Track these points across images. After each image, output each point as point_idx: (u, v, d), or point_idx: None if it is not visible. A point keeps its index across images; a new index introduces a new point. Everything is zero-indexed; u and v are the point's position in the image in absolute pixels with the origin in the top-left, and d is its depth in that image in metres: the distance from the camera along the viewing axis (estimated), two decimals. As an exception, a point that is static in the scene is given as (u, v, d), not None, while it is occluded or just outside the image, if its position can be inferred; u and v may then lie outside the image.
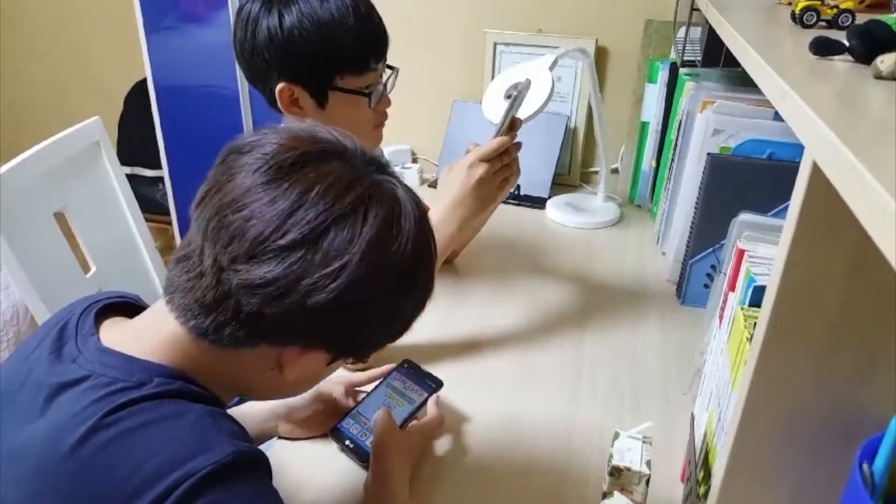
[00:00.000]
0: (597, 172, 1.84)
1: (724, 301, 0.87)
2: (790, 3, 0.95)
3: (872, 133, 0.43)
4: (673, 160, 1.41)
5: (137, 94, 2.76)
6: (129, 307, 0.72)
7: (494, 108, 1.18)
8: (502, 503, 0.89)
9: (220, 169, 0.62)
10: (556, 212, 1.65)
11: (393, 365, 1.02)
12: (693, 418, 0.91)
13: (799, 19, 0.81)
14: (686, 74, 1.41)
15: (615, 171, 1.80)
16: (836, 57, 0.65)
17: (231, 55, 2.08)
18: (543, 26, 1.78)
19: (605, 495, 0.81)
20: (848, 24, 0.78)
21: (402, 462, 0.87)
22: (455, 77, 1.89)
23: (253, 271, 0.58)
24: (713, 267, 1.25)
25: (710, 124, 1.22)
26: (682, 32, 1.43)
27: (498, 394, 1.07)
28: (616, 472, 0.79)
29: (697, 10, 1.29)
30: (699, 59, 1.33)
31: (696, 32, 1.43)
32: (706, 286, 1.26)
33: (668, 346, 1.19)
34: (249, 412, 0.93)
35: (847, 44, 0.63)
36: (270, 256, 0.57)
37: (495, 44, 1.81)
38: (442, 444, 0.97)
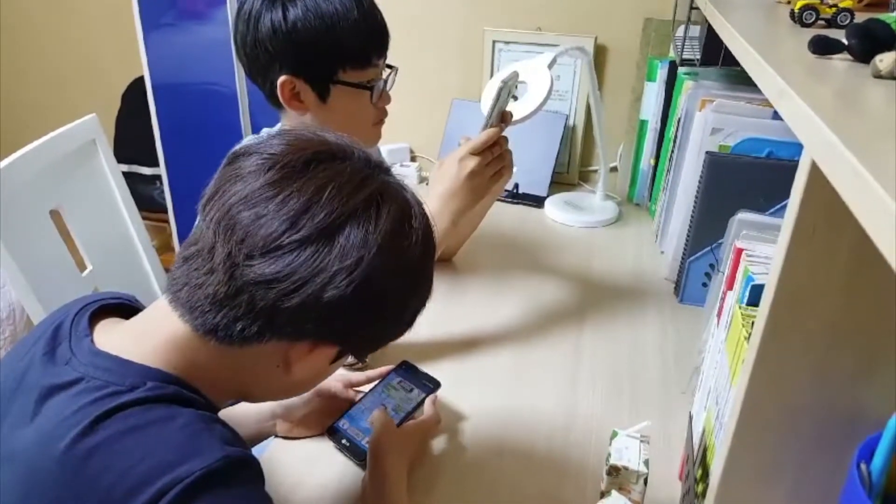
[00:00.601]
0: (595, 171, 1.84)
1: (723, 300, 0.87)
2: (789, 2, 0.95)
3: (872, 132, 0.43)
4: (671, 159, 1.41)
5: (135, 91, 2.75)
6: (125, 308, 0.72)
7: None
8: (500, 502, 0.89)
9: (228, 170, 0.63)
10: (555, 210, 1.65)
11: (391, 366, 1.02)
12: (691, 417, 0.91)
13: (798, 18, 0.81)
14: (685, 73, 1.41)
15: (614, 169, 1.80)
16: (834, 56, 0.65)
17: (229, 53, 2.09)
18: (542, 24, 1.77)
19: (602, 494, 0.81)
20: (847, 22, 0.78)
21: (399, 461, 0.87)
22: (454, 75, 1.89)
23: (269, 266, 0.58)
24: (711, 265, 1.25)
25: (709, 123, 1.22)
26: (681, 31, 1.43)
27: (496, 392, 1.07)
28: (614, 471, 0.79)
29: (696, 8, 1.29)
30: (698, 57, 1.33)
31: (695, 31, 1.43)
32: (704, 285, 1.26)
33: (667, 345, 1.19)
34: (247, 411, 0.93)
35: (846, 43, 0.63)
36: (287, 251, 0.58)
37: (494, 42, 1.81)
38: (439, 443, 0.97)
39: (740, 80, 1.32)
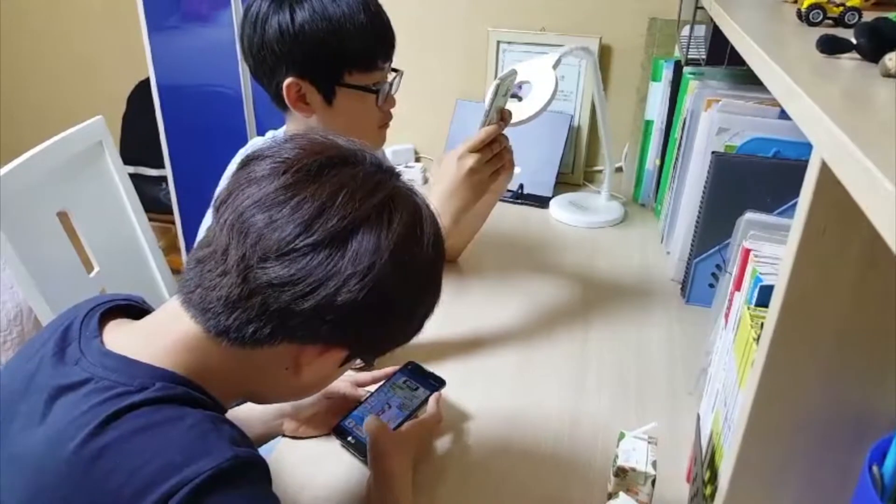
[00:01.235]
0: (600, 171, 1.83)
1: (730, 301, 0.87)
2: (795, 2, 0.95)
3: (882, 130, 0.42)
4: (677, 159, 1.40)
5: (140, 93, 2.76)
6: (134, 310, 0.72)
7: None
8: (506, 503, 0.89)
9: (242, 173, 0.64)
10: (560, 211, 1.65)
11: (397, 367, 1.02)
12: (699, 418, 0.90)
13: (805, 17, 0.80)
14: (690, 73, 1.40)
15: (619, 169, 1.79)
16: (843, 55, 0.64)
17: (234, 55, 2.09)
18: (547, 25, 1.77)
19: (610, 496, 0.80)
20: (854, 21, 0.78)
21: (401, 461, 0.87)
22: (458, 76, 1.89)
23: (282, 269, 0.59)
24: (718, 266, 1.24)
25: (715, 123, 1.22)
26: (686, 31, 1.42)
27: (501, 393, 1.07)
28: (621, 472, 0.79)
29: (702, 8, 1.29)
30: (703, 57, 1.32)
31: (700, 31, 1.43)
32: (711, 285, 1.25)
33: (673, 346, 1.19)
34: (253, 411, 0.93)
35: (855, 42, 0.62)
36: (300, 255, 0.59)
37: (498, 42, 1.81)
38: (444, 443, 0.97)
39: (746, 79, 1.32)
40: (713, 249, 1.23)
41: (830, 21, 0.80)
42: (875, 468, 0.46)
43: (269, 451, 0.93)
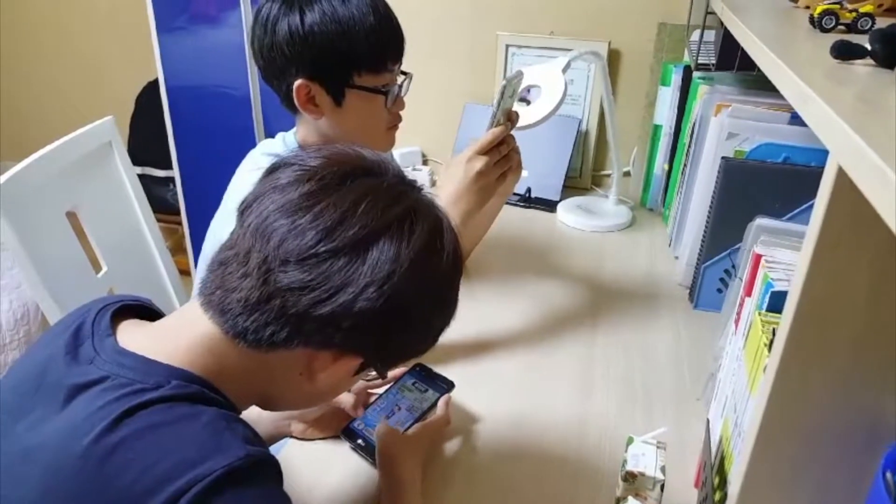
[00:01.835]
0: (608, 175, 1.83)
1: (741, 306, 0.86)
2: (807, 7, 0.95)
3: (900, 137, 0.42)
4: (686, 164, 1.40)
5: (149, 94, 2.77)
6: (143, 310, 0.72)
7: None
8: (514, 507, 0.89)
9: (267, 180, 0.65)
10: (567, 215, 1.65)
11: (405, 368, 1.02)
12: (708, 424, 0.90)
13: (817, 23, 0.80)
14: (700, 78, 1.40)
15: (627, 174, 1.79)
16: (857, 61, 0.64)
17: (242, 56, 2.10)
18: (556, 29, 1.77)
19: (618, 500, 0.80)
20: (868, 27, 0.78)
21: (410, 464, 0.87)
22: (466, 79, 1.89)
23: (302, 273, 0.60)
24: (727, 271, 1.24)
25: (725, 128, 1.21)
26: (696, 35, 1.42)
27: (509, 396, 1.07)
28: (630, 477, 0.79)
29: (712, 13, 1.29)
30: (713, 62, 1.32)
31: (710, 36, 1.43)
32: (720, 291, 1.25)
33: (681, 351, 1.18)
34: (262, 411, 0.93)
35: (869, 48, 0.62)
36: (320, 260, 0.60)
37: (507, 46, 1.81)
38: (452, 446, 0.97)
39: (756, 85, 1.32)
40: (722, 254, 1.23)
41: (843, 27, 0.80)
42: (888, 475, 0.46)
43: (276, 452, 0.93)
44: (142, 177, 2.32)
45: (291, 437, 0.96)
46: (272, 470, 0.61)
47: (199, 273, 1.19)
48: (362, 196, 0.62)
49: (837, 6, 0.80)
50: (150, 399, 0.58)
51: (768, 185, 1.15)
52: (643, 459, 0.80)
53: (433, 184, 1.84)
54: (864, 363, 0.53)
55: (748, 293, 0.83)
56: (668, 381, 1.11)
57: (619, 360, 1.16)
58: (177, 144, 2.31)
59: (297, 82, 1.03)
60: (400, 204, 0.64)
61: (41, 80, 3.29)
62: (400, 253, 0.61)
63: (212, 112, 2.24)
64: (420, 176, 1.84)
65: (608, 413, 1.04)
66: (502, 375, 1.12)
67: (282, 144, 1.14)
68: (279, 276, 0.60)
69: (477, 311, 1.28)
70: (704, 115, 1.32)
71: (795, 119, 1.18)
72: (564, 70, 1.28)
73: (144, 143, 2.76)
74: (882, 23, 0.71)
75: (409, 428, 0.93)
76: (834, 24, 0.80)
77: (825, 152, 0.49)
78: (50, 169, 1.29)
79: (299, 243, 0.60)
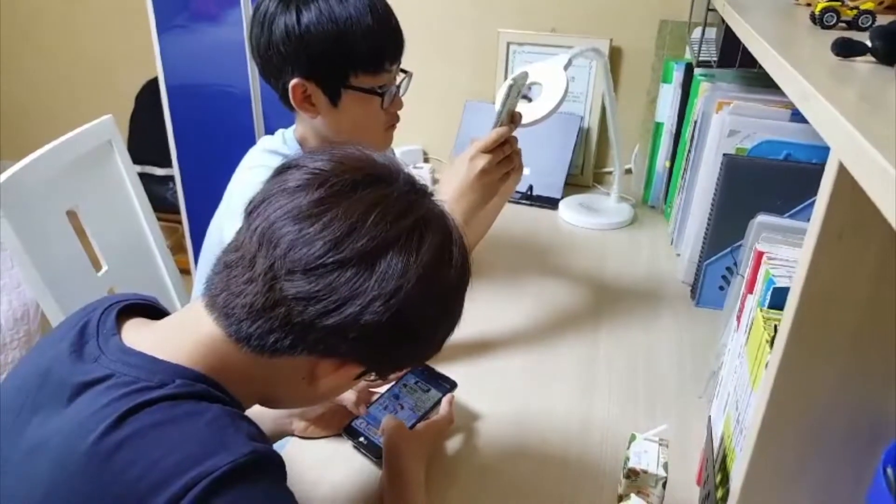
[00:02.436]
0: (610, 173, 1.83)
1: (743, 303, 0.86)
2: (808, 4, 0.95)
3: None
4: (687, 161, 1.40)
5: (148, 92, 2.77)
6: (149, 309, 0.73)
7: None
8: (516, 505, 0.89)
9: (275, 181, 0.64)
10: (569, 212, 1.65)
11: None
12: (710, 420, 0.90)
13: (818, 20, 0.80)
14: (701, 75, 1.40)
15: (629, 171, 1.79)
16: (858, 58, 0.64)
17: (242, 54, 2.10)
18: (557, 26, 1.77)
19: (620, 498, 0.80)
20: (868, 25, 0.78)
21: (415, 461, 0.87)
22: (467, 77, 1.89)
23: (309, 284, 0.59)
24: (729, 268, 1.24)
25: (726, 125, 1.21)
26: (697, 33, 1.42)
27: (511, 394, 1.07)
28: (633, 474, 0.79)
29: (713, 10, 1.29)
30: (715, 59, 1.32)
31: (711, 33, 1.42)
32: (721, 288, 1.25)
33: (683, 348, 1.18)
34: (265, 410, 0.93)
35: (870, 45, 0.62)
36: (327, 271, 0.59)
37: (508, 43, 1.81)
38: (454, 445, 0.97)
39: (757, 82, 1.32)
40: (724, 252, 1.23)
41: (844, 24, 0.80)
42: (889, 470, 0.46)
43: (278, 450, 0.93)
44: (141, 175, 2.32)
45: (293, 435, 0.96)
46: (276, 467, 0.61)
47: (200, 271, 1.19)
48: (372, 206, 0.61)
49: (838, 3, 0.80)
50: (155, 397, 0.58)
51: (770, 182, 1.15)
52: (645, 457, 0.80)
53: (434, 181, 1.84)
54: (865, 359, 0.53)
55: (750, 290, 0.83)
56: (669, 379, 1.11)
57: (621, 358, 1.16)
58: (177, 143, 2.31)
59: (293, 81, 1.03)
60: (410, 215, 0.63)
61: (41, 79, 3.29)
62: (408, 266, 0.61)
63: (212, 110, 2.23)
64: (421, 174, 1.84)
65: (610, 410, 1.04)
66: (504, 373, 1.12)
67: (281, 141, 1.14)
68: (285, 284, 0.60)
69: (478, 310, 1.27)
70: (706, 112, 1.32)
71: (797, 116, 1.18)
72: (566, 68, 1.27)
73: (144, 142, 2.76)
74: (883, 20, 0.71)
75: (411, 427, 0.93)
76: (835, 21, 0.80)
77: (827, 149, 0.49)
78: (50, 168, 1.29)
79: (307, 253, 0.59)
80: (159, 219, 1.59)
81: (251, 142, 1.18)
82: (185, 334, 0.65)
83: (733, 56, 1.27)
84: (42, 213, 1.27)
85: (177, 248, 2.58)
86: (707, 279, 1.27)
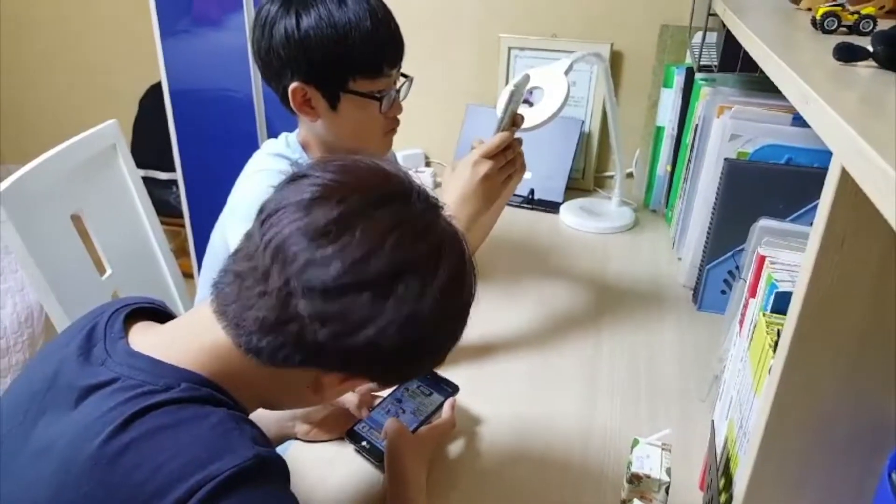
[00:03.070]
0: (611, 177, 1.83)
1: (745, 307, 0.87)
2: (809, 9, 0.95)
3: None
4: (689, 165, 1.40)
5: (152, 97, 2.78)
6: (157, 313, 0.73)
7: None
8: (519, 509, 0.89)
9: (289, 190, 0.63)
10: (571, 216, 1.65)
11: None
12: (713, 425, 0.90)
13: (819, 25, 0.80)
14: (702, 79, 1.40)
15: (630, 175, 1.79)
16: (859, 63, 0.64)
17: (245, 59, 2.10)
18: (558, 31, 1.77)
19: (623, 502, 0.80)
20: (869, 29, 0.78)
21: (417, 465, 0.87)
22: (469, 81, 1.89)
23: (324, 305, 0.59)
24: (730, 272, 1.24)
25: (727, 129, 1.22)
26: (698, 37, 1.42)
27: (513, 398, 1.07)
28: (636, 479, 0.79)
29: (714, 14, 1.29)
30: (716, 64, 1.32)
31: (712, 38, 1.43)
32: (723, 292, 1.25)
33: (685, 352, 1.18)
34: (267, 412, 0.93)
35: (872, 49, 0.62)
36: (343, 294, 0.59)
37: (510, 48, 1.81)
38: (456, 449, 0.97)
39: (758, 86, 1.32)
40: (726, 256, 1.23)
41: (845, 29, 0.80)
42: (894, 476, 0.46)
43: (281, 453, 0.93)
44: (145, 179, 2.34)
45: (296, 438, 0.96)
46: (280, 471, 0.61)
47: (204, 276, 1.20)
48: (390, 228, 0.60)
49: (839, 8, 0.80)
50: (160, 401, 0.58)
51: (771, 186, 1.15)
52: (648, 461, 0.80)
53: (435, 185, 1.84)
54: (868, 364, 0.53)
55: (752, 294, 0.83)
56: (672, 383, 1.11)
57: (623, 362, 1.16)
58: (180, 147, 2.32)
59: (293, 85, 1.03)
60: (427, 238, 0.63)
61: (45, 84, 3.30)
62: (425, 291, 0.61)
63: (214, 115, 2.24)
64: (423, 178, 1.84)
65: (612, 415, 1.04)
66: (506, 377, 1.12)
67: (285, 145, 1.14)
68: (300, 303, 0.59)
69: (480, 314, 1.26)
70: (707, 116, 1.32)
71: (798, 120, 1.18)
72: (567, 72, 1.28)
73: (147, 146, 2.77)
74: (884, 25, 0.72)
75: (413, 431, 0.93)
76: (836, 25, 0.80)
77: (828, 154, 0.49)
78: (55, 172, 1.29)
79: (324, 273, 0.58)
80: (162, 222, 1.59)
81: (254, 146, 1.19)
82: (191, 339, 0.65)
83: (734, 60, 1.28)
84: (47, 217, 1.27)
85: (180, 252, 2.58)
86: (709, 283, 1.27)
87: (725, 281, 1.26)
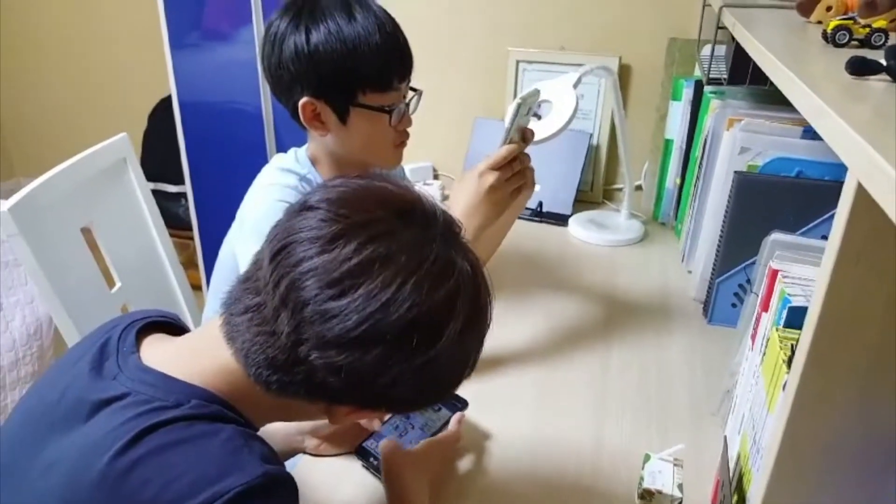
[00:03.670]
0: (620, 189, 1.83)
1: (757, 321, 0.86)
2: (820, 22, 0.95)
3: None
4: (698, 178, 1.40)
5: (161, 110, 2.80)
6: (170, 326, 0.73)
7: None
8: (529, 525, 0.88)
9: (299, 221, 0.60)
10: (579, 229, 1.65)
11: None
12: (725, 441, 0.89)
13: (831, 38, 0.80)
14: (711, 92, 1.40)
15: (638, 188, 1.79)
16: (871, 77, 0.64)
17: (254, 72, 2.11)
18: (567, 44, 1.78)
19: (635, 518, 0.79)
20: (881, 43, 0.77)
21: (415, 481, 0.86)
22: (478, 94, 1.90)
23: (336, 356, 0.58)
24: (741, 286, 1.23)
25: (737, 142, 1.21)
26: (707, 50, 1.42)
27: (522, 413, 1.06)
28: (647, 495, 0.78)
29: (723, 27, 1.29)
30: (725, 76, 1.32)
31: (721, 50, 1.43)
32: (734, 305, 1.24)
33: (696, 366, 1.17)
34: (276, 427, 0.93)
35: (885, 63, 0.62)
36: (358, 345, 0.57)
37: (518, 62, 1.82)
38: (465, 464, 0.97)
39: (768, 99, 1.32)
40: (736, 269, 1.22)
41: (856, 42, 0.80)
42: (913, 495, 0.46)
43: (289, 468, 0.93)
44: (154, 192, 2.35)
45: (305, 452, 0.95)
46: (288, 488, 0.61)
47: (213, 291, 1.20)
48: (408, 275, 0.57)
49: (851, 21, 0.80)
50: (170, 417, 0.58)
51: (782, 199, 1.15)
52: (660, 477, 0.79)
53: (443, 198, 1.84)
54: (884, 379, 0.53)
55: (765, 309, 0.82)
56: (683, 398, 1.10)
57: (633, 376, 1.15)
58: (189, 160, 2.33)
59: (303, 100, 1.04)
60: (445, 282, 0.60)
61: (56, 98, 3.33)
62: (443, 338, 0.59)
63: (224, 128, 2.25)
64: (431, 190, 1.84)
65: (623, 429, 1.03)
66: (515, 391, 1.11)
67: (294, 160, 1.14)
68: (312, 353, 0.58)
69: (489, 327, 1.27)
70: (716, 129, 1.32)
71: (808, 133, 1.18)
72: (575, 85, 1.28)
73: (157, 159, 2.79)
74: (894, 38, 0.71)
75: (422, 446, 0.93)
76: (847, 39, 0.79)
77: (839, 166, 0.49)
78: (65, 185, 1.30)
79: (338, 327, 0.56)
80: (171, 235, 1.60)
81: (263, 159, 1.19)
82: (202, 356, 0.65)
83: (743, 73, 1.27)
84: (57, 230, 1.28)
85: (189, 265, 2.59)
86: (719, 296, 1.26)
87: (736, 294, 1.25)
